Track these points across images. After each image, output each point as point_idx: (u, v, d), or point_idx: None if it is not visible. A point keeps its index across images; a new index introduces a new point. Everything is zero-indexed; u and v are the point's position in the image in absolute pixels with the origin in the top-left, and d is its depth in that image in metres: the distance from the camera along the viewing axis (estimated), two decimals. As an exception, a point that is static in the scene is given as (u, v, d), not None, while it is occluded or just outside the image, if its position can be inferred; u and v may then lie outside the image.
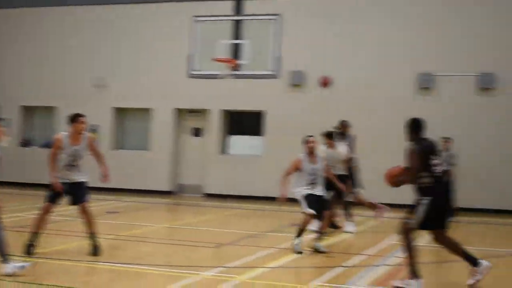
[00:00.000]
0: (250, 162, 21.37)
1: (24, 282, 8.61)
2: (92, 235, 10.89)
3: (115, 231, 13.42)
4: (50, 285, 8.54)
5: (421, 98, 19.97)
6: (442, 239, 9.19)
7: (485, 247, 13.04)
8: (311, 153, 12.03)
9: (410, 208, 9.01)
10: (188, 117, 22.38)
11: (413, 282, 8.82)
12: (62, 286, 8.50)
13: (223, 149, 21.86)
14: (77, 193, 10.91)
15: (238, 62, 21.04)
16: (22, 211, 15.93)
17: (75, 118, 11.05)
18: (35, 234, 10.72)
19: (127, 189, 21.45)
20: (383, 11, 20.60)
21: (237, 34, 21.66)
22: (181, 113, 22.45)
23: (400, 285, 8.89)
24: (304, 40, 21.10)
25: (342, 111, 20.58)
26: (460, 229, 15.75)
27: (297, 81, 21.04)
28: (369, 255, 11.65)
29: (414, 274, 8.87)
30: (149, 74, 22.45)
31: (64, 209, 12.50)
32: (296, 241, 11.46)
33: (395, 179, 9.34)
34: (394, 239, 13.35)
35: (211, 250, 11.68)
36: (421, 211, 8.84)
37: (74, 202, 10.97)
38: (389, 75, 20.27)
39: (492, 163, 19.34)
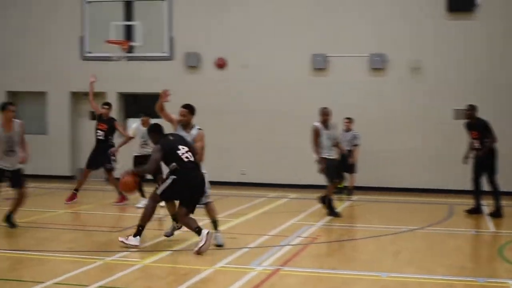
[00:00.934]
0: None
1: None
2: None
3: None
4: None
5: (315, 79, 20.34)
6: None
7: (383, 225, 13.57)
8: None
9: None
10: (84, 100, 22.08)
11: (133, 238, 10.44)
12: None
13: (120, 132, 21.69)
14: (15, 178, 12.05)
15: (131, 43, 20.91)
16: None
17: (5, 106, 11.98)
18: None
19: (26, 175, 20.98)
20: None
21: (129, 16, 21.50)
22: (77, 96, 22.12)
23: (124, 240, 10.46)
24: (197, 21, 21.09)
25: (237, 93, 20.82)
26: (360, 208, 16.28)
27: (192, 63, 21.05)
28: (272, 235, 11.89)
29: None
30: (42, 56, 22.00)
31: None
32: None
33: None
34: (298, 220, 13.73)
35: (115, 234, 11.66)
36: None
37: (13, 186, 12.16)
38: (284, 56, 20.52)
39: (382, 142, 19.88)
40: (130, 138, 15.55)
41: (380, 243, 11.48)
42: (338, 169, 15.16)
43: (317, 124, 14.48)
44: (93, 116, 21.75)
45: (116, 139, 16.20)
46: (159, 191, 10.62)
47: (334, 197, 15.45)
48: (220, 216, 13.61)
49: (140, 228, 10.55)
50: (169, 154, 10.65)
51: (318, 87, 20.23)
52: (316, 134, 14.35)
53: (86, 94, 21.52)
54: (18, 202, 12.25)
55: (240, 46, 20.84)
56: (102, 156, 15.72)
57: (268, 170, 20.60)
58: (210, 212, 11.08)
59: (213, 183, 19.96)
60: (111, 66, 20.97)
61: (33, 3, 22.15)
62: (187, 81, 21.01)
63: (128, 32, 21.12)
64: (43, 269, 9.00)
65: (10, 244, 11.12)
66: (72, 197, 15.79)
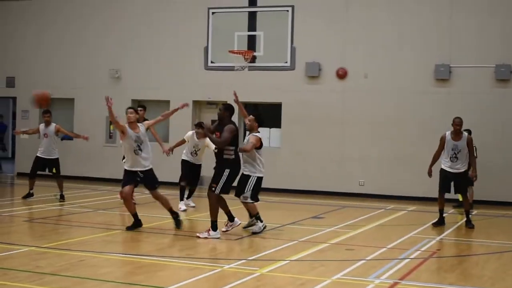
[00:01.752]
0: (269, 154, 21.39)
1: (44, 273, 8.82)
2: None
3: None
4: (71, 277, 8.72)
5: (437, 90, 19.99)
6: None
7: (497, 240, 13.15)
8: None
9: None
10: (206, 109, 22.49)
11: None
12: (83, 278, 8.68)
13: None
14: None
15: (253, 53, 21.11)
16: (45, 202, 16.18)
17: (127, 110, 13.06)
18: None
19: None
20: (399, 3, 20.55)
21: (252, 26, 21.73)
22: (199, 105, 22.56)
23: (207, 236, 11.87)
24: (319, 31, 21.14)
25: (357, 103, 20.71)
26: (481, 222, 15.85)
27: (313, 73, 21.07)
28: (390, 248, 11.74)
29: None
30: (166, 65, 22.58)
31: (84, 201, 12.72)
32: None
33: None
34: (416, 233, 13.50)
35: (233, 242, 11.79)
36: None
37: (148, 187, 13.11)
38: (405, 65, 20.27)
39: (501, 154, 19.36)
40: (184, 142, 16.50)
41: (503, 260, 11.12)
42: (457, 182, 14.61)
43: (447, 133, 14.44)
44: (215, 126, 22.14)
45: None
46: (218, 190, 12.01)
47: (456, 211, 15.08)
48: (337, 227, 13.66)
49: (215, 223, 12.02)
50: (234, 140, 12.03)
51: (440, 97, 19.86)
52: (442, 143, 14.33)
53: (209, 103, 22.04)
54: (164, 202, 13.06)
55: (360, 56, 20.73)
56: None
57: (387, 181, 20.37)
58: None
59: (331, 193, 20.26)
60: (232, 75, 21.25)
61: (165, 16, 22.72)
62: (308, 91, 21.06)
63: (251, 42, 21.36)
64: (162, 275, 9.20)
65: (132, 248, 11.43)
66: None
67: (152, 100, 22.90)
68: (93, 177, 22.92)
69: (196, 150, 16.15)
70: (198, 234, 12.15)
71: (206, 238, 11.93)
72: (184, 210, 15.71)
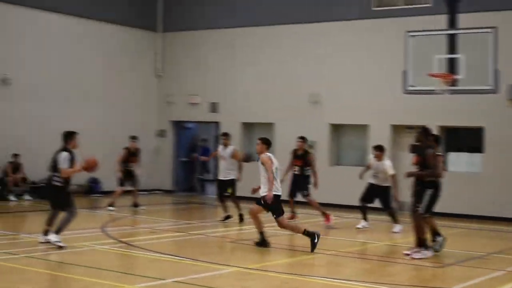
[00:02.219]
0: (469, 179, 20.90)
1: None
2: None
3: (336, 248, 13.72)
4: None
5: None
6: None
7: None
8: None
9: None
10: (405, 134, 22.30)
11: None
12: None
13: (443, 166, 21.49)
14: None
15: (454, 77, 20.70)
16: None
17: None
18: None
19: (342, 205, 21.61)
20: None
21: (452, 48, 21.32)
22: (398, 129, 22.41)
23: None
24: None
25: None
26: None
27: (517, 96, 20.38)
28: None
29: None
30: (366, 90, 22.62)
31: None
32: None
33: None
34: None
35: (435, 270, 11.62)
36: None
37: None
38: None
39: None
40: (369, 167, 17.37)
41: None
42: None
43: None
44: (412, 149, 21.93)
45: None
46: (423, 209, 12.47)
47: None
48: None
49: (423, 240, 12.44)
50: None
51: None
52: None
53: (408, 127, 21.87)
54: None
55: None
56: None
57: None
58: None
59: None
60: (432, 99, 20.95)
61: (360, 43, 22.88)
62: (511, 115, 20.38)
63: (451, 65, 20.96)
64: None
65: (335, 272, 11.53)
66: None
67: (350, 124, 23.02)
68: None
69: (378, 172, 16.96)
70: (411, 255, 12.44)
71: (421, 258, 12.29)
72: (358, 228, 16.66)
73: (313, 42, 23.67)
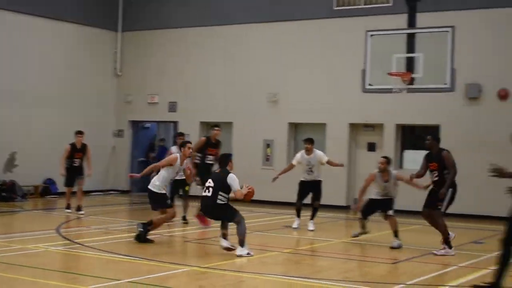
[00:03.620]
0: (426, 176, 20.93)
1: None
2: None
3: (293, 246, 13.70)
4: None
5: None
6: None
7: None
8: None
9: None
10: (363, 132, 22.40)
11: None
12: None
13: (398, 164, 21.66)
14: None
15: (412, 75, 20.85)
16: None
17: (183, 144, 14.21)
18: None
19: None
20: None
21: (411, 47, 21.47)
22: (356, 128, 22.50)
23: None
24: (479, 51, 20.61)
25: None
26: None
27: (473, 94, 20.54)
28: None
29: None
30: (325, 89, 22.65)
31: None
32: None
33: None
34: None
35: (388, 266, 11.65)
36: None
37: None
38: None
39: None
40: (293, 166, 16.59)
41: None
42: None
43: None
44: (371, 147, 22.05)
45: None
46: (444, 208, 13.13)
47: None
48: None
49: (448, 239, 13.01)
50: None
51: None
52: None
53: (366, 126, 21.96)
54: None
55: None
56: None
57: None
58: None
59: (487, 217, 19.47)
60: (390, 97, 21.07)
61: (320, 41, 22.90)
62: (468, 113, 20.54)
63: (410, 63, 21.10)
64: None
65: (291, 270, 11.51)
66: None
67: (308, 123, 23.06)
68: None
69: (311, 166, 16.28)
70: (435, 252, 12.99)
71: (443, 255, 12.76)
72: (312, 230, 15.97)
73: (273, 41, 23.65)
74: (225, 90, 24.35)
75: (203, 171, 15.88)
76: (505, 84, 20.22)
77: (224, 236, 12.49)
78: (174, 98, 25.52)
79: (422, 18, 21.31)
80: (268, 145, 23.29)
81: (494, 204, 19.84)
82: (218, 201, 12.26)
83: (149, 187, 13.74)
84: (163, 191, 13.68)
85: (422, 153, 21.48)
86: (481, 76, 20.49)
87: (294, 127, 23.49)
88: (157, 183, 13.63)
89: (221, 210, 12.37)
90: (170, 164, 13.75)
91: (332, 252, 13.35)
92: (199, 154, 16.40)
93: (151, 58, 26.04)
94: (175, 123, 25.86)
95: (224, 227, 12.56)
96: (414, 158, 21.38)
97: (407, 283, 10.24)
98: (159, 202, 13.71)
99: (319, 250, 13.87)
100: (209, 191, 12.32)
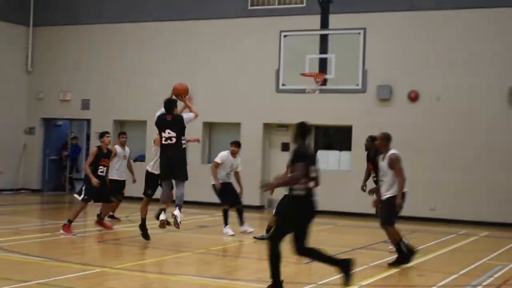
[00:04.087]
0: (339, 177, 21.31)
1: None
2: None
3: (206, 246, 13.72)
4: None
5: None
6: None
7: None
8: None
9: None
10: (276, 132, 22.58)
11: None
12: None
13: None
14: None
15: (325, 76, 21.10)
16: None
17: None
18: None
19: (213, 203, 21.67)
20: (470, 24, 20.34)
21: (324, 49, 21.73)
22: (269, 128, 22.65)
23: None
24: (390, 54, 21.06)
25: (429, 126, 20.49)
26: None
27: (384, 95, 20.97)
28: (462, 274, 11.53)
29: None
30: (238, 88, 22.74)
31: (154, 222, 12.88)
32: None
33: None
34: (489, 259, 13.24)
35: (302, 265, 11.78)
36: None
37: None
38: (479, 89, 20.03)
39: None
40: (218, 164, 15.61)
41: None
42: None
43: None
44: (285, 147, 22.21)
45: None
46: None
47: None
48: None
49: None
50: None
51: (515, 121, 19.58)
52: None
53: (280, 125, 22.12)
54: None
55: (433, 79, 20.54)
56: None
57: (458, 206, 20.07)
58: None
59: (401, 217, 19.83)
60: (304, 98, 21.29)
61: (235, 41, 22.95)
62: (379, 114, 20.94)
63: (323, 64, 21.34)
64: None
65: (204, 271, 11.52)
66: None
67: (223, 122, 23.09)
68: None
69: (230, 172, 15.64)
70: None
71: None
72: (232, 235, 15.33)
73: (188, 40, 23.59)
74: (139, 87, 24.14)
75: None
76: (415, 86, 20.71)
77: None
78: (87, 95, 25.18)
79: (335, 20, 21.61)
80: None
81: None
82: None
83: None
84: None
85: (335, 153, 22.09)
86: (392, 78, 20.94)
87: (209, 126, 23.49)
88: None
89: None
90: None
91: (245, 252, 13.43)
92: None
93: (63, 54, 25.61)
94: (88, 121, 25.52)
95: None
96: (327, 158, 21.71)
97: (318, 283, 10.37)
98: None
99: (232, 251, 13.94)
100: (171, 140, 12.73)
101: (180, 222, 12.36)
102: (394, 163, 12.13)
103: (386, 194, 12.17)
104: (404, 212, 19.83)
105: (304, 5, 22.17)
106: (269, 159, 22.63)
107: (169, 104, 12.94)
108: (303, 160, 8.87)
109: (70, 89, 25.47)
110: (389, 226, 12.17)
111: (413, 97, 20.70)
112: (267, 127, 22.62)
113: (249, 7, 22.92)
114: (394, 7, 21.18)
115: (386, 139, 12.55)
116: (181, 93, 12.94)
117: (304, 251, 9.05)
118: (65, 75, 25.54)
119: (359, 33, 21.22)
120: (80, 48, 25.35)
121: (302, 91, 21.17)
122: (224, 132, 23.12)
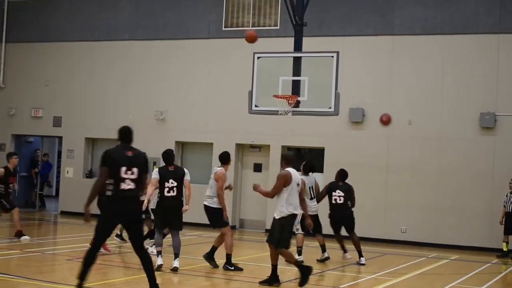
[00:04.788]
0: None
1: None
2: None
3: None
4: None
5: (482, 138, 19.88)
6: None
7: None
8: None
9: None
10: (249, 152, 22.60)
11: None
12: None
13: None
14: None
15: (297, 98, 21.14)
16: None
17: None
18: None
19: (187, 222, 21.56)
20: (442, 49, 20.57)
21: (297, 71, 21.79)
22: (242, 148, 22.68)
23: None
24: (362, 77, 21.24)
25: (401, 149, 20.65)
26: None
27: (356, 118, 21.11)
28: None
29: None
30: (211, 108, 22.77)
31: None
32: None
33: None
34: (458, 283, 13.32)
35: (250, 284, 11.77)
36: None
37: None
38: (450, 114, 20.24)
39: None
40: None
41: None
42: None
43: None
44: (257, 168, 22.24)
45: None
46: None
47: (500, 261, 14.87)
48: (379, 274, 13.54)
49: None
50: None
51: (485, 145, 19.75)
52: None
53: (252, 146, 22.14)
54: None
55: (404, 102, 20.73)
56: None
57: (429, 229, 20.19)
58: None
59: (372, 239, 20.07)
60: (276, 119, 21.33)
61: (208, 61, 22.98)
62: (351, 137, 21.06)
63: (296, 86, 21.38)
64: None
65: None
66: None
67: (196, 142, 23.08)
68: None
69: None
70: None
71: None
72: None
73: (162, 59, 23.61)
74: (112, 106, 24.07)
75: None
76: (387, 110, 20.88)
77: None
78: (59, 112, 25.04)
79: (308, 42, 21.67)
80: (154, 163, 23.06)
81: (368, 224, 20.47)
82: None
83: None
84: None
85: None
86: (364, 101, 21.09)
87: (181, 145, 23.47)
88: None
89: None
90: None
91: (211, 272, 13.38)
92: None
93: (35, 71, 25.51)
94: (59, 138, 25.37)
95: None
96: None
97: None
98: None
99: (197, 270, 13.87)
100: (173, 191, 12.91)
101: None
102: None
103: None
104: (376, 234, 20.14)
105: (278, 27, 22.32)
106: (242, 179, 22.63)
107: (170, 156, 13.41)
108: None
109: (42, 106, 25.33)
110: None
111: (385, 121, 20.85)
112: (240, 147, 22.65)
113: (223, 28, 23.01)
114: (367, 31, 21.40)
115: (283, 159, 13.02)
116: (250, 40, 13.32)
117: None
118: (37, 92, 25.41)
119: (332, 56, 21.23)
120: (52, 65, 25.26)
121: (275, 113, 21.16)
122: (197, 152, 23.10)
